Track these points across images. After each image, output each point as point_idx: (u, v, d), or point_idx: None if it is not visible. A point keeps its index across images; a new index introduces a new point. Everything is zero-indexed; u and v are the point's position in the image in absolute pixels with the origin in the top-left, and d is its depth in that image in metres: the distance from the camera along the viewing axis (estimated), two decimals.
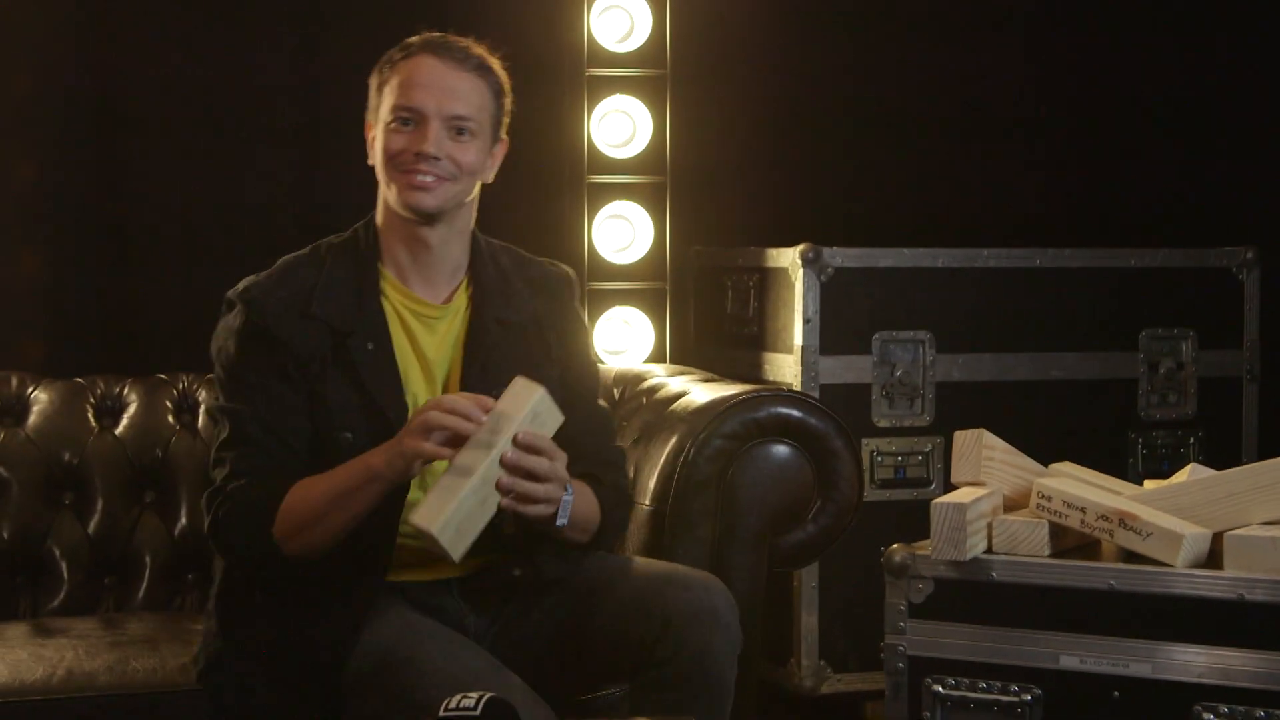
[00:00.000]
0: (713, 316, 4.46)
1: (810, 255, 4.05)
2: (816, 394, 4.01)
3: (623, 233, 4.39)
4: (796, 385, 4.03)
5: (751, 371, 4.25)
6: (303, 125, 4.29)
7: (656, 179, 4.37)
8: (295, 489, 2.73)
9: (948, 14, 4.85)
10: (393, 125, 2.82)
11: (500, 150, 2.92)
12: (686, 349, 4.50)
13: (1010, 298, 4.22)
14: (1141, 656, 2.79)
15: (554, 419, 2.67)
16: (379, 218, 2.91)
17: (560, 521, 2.70)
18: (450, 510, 2.54)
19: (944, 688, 2.92)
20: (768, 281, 4.21)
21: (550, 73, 4.36)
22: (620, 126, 4.37)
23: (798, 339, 4.07)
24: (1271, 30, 4.82)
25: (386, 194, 2.86)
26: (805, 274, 4.05)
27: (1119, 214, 4.96)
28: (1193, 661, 2.75)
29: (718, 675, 2.71)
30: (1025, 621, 2.86)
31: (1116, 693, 2.81)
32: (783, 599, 4.08)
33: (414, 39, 2.88)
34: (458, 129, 2.81)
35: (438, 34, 2.89)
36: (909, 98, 4.84)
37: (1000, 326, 4.22)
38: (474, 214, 2.93)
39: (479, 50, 2.89)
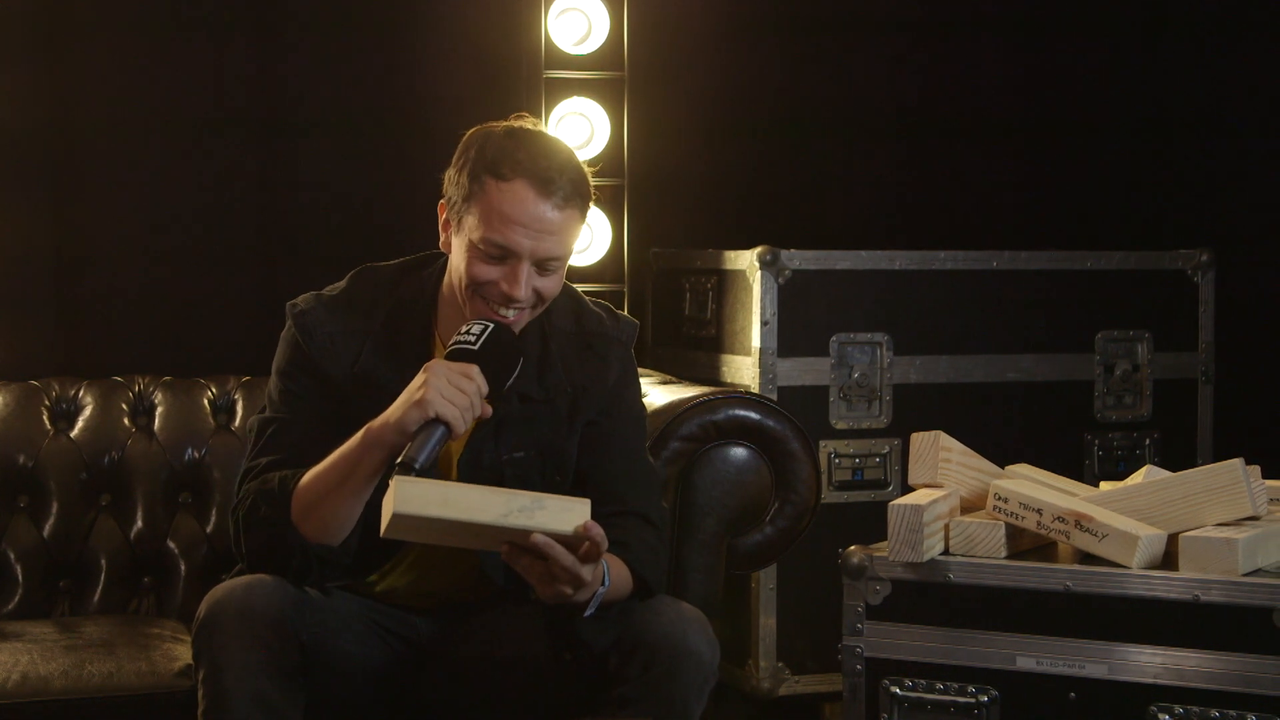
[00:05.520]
0: (671, 318, 4.46)
1: (768, 257, 4.05)
2: (774, 396, 4.01)
3: (580, 236, 4.37)
4: (754, 387, 4.03)
5: (709, 373, 4.25)
6: (258, 125, 4.26)
7: (614, 181, 4.36)
8: (310, 471, 2.66)
9: (906, 18, 4.85)
10: (480, 251, 2.67)
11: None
12: (644, 351, 4.49)
13: (967, 300, 4.23)
14: (1097, 657, 2.80)
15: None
16: (444, 287, 2.79)
17: (588, 613, 2.59)
18: (427, 488, 2.43)
19: (901, 689, 2.92)
20: (726, 283, 4.22)
21: (508, 75, 4.35)
22: (578, 129, 4.36)
23: (756, 341, 4.07)
24: (1226, 36, 4.84)
25: (457, 290, 2.73)
26: (763, 276, 4.05)
27: (1075, 217, 4.98)
28: (1148, 662, 2.77)
29: (681, 703, 2.64)
30: (982, 623, 2.87)
31: (1072, 694, 2.82)
32: (741, 601, 4.08)
33: (512, 150, 2.68)
34: (548, 268, 2.71)
35: (537, 152, 2.70)
36: (867, 101, 4.85)
37: (957, 329, 4.23)
38: None
39: (574, 170, 2.73)
